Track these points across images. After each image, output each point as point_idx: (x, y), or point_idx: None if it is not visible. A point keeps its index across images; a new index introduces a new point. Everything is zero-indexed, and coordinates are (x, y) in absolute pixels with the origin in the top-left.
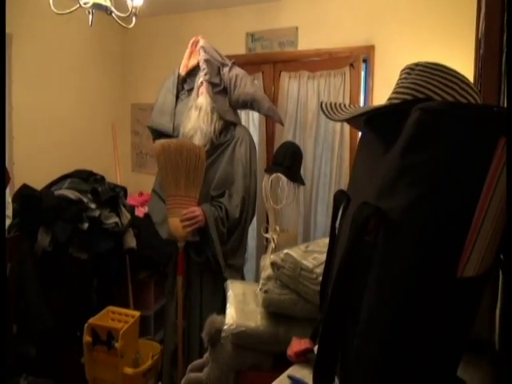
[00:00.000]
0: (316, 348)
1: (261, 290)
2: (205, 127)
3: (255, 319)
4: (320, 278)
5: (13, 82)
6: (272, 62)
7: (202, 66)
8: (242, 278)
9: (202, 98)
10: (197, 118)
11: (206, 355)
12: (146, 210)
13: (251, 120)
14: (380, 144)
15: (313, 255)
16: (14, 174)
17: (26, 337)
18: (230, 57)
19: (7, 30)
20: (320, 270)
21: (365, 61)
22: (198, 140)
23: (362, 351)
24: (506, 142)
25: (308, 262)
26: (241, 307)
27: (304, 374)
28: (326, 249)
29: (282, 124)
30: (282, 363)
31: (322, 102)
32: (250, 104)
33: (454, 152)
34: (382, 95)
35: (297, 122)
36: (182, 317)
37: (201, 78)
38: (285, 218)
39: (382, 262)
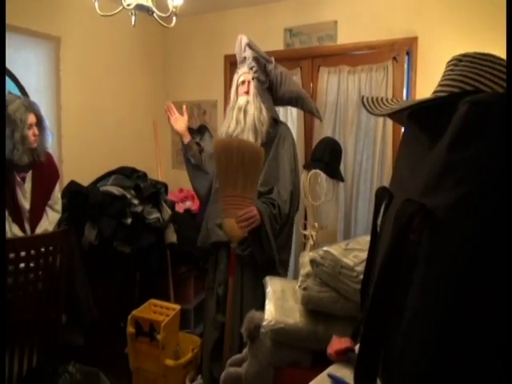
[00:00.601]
0: (357, 347)
1: (300, 287)
2: (258, 126)
3: (294, 316)
4: (361, 277)
5: (61, 84)
6: (311, 57)
7: (251, 64)
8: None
9: (248, 97)
10: (243, 118)
11: (245, 350)
12: (186, 205)
13: (289, 116)
14: (425, 139)
15: (353, 253)
16: (62, 170)
17: (75, 326)
18: (268, 53)
19: (55, 34)
20: (361, 268)
21: (407, 53)
22: (251, 139)
23: (406, 351)
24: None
25: (348, 260)
26: (279, 304)
27: (344, 373)
28: (367, 247)
29: (321, 120)
30: (321, 361)
31: (363, 97)
32: (294, 101)
33: (505, 147)
34: (425, 89)
35: (336, 118)
36: (230, 316)
37: (241, 76)
38: (324, 214)
39: (427, 260)
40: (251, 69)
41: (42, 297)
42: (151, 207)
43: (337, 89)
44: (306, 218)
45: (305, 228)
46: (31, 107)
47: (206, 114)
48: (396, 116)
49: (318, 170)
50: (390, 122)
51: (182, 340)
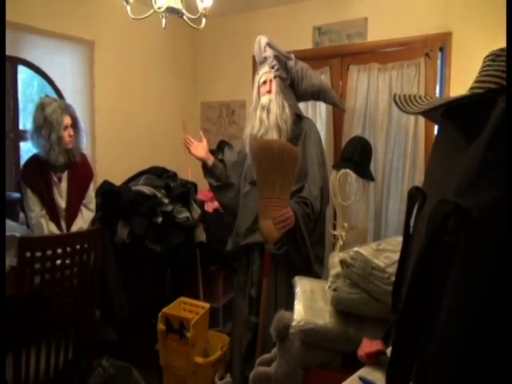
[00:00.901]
0: (389, 350)
1: (329, 287)
2: (281, 124)
3: (324, 317)
4: (392, 278)
5: (94, 86)
6: (340, 55)
7: (272, 62)
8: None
9: (271, 96)
10: (266, 117)
11: (275, 350)
12: (215, 205)
13: (318, 116)
14: (460, 137)
15: (384, 254)
16: (96, 170)
17: (108, 322)
18: (296, 52)
19: (89, 38)
20: (392, 269)
21: (441, 49)
22: (274, 138)
23: (441, 354)
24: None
25: (379, 261)
26: (309, 304)
27: (376, 376)
28: (399, 248)
29: (345, 110)
30: (351, 363)
31: (395, 95)
32: (316, 95)
33: None
34: (460, 86)
35: (366, 117)
36: (264, 316)
37: (262, 76)
38: (353, 214)
39: (463, 262)
40: (272, 67)
41: (77, 293)
42: (181, 206)
43: (367, 87)
44: (335, 218)
45: (334, 228)
46: (67, 109)
47: (235, 114)
48: (430, 114)
49: (347, 170)
50: (422, 120)
51: (211, 338)
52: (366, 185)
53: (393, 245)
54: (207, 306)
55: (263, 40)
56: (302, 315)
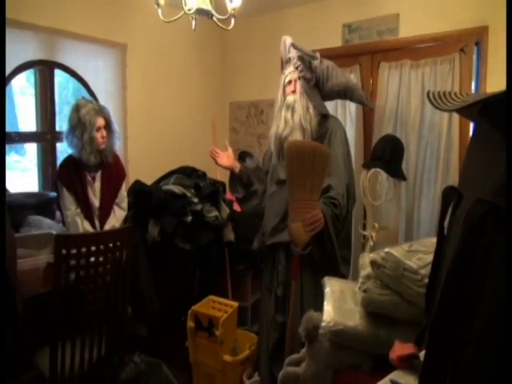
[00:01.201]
0: (422, 354)
1: (360, 288)
2: (304, 125)
3: (354, 318)
4: (426, 280)
5: (127, 88)
6: (370, 52)
7: (296, 63)
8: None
9: (295, 96)
10: (291, 117)
11: (303, 350)
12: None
13: (348, 114)
14: (498, 135)
15: (417, 255)
16: (128, 170)
17: (139, 318)
18: (325, 50)
19: (122, 41)
20: (425, 271)
21: (477, 44)
22: (298, 138)
23: (478, 359)
24: None
25: (412, 263)
26: (338, 305)
27: (408, 380)
28: (432, 249)
29: (373, 109)
30: (382, 366)
31: (428, 92)
32: (343, 93)
33: None
34: (497, 82)
35: (398, 115)
36: (292, 318)
37: (287, 76)
38: (384, 214)
39: (501, 264)
40: (297, 68)
41: (110, 289)
42: (210, 206)
43: (398, 84)
44: (365, 218)
45: (364, 228)
46: (101, 111)
47: (264, 114)
48: (466, 111)
49: (377, 169)
50: (456, 118)
51: (240, 337)
52: (397, 184)
53: (426, 246)
54: (236, 304)
55: (288, 40)
56: (332, 316)
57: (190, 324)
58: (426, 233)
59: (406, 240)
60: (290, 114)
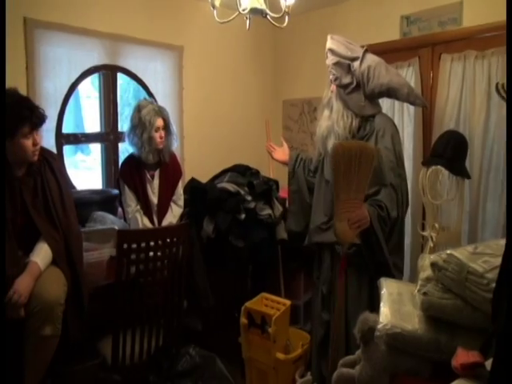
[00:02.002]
0: (488, 363)
1: (419, 291)
2: (338, 129)
3: (412, 322)
4: (493, 285)
5: (183, 89)
6: (431, 44)
7: (331, 71)
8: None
9: (332, 100)
10: (328, 118)
11: (358, 352)
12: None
13: (406, 109)
14: None
15: (483, 258)
16: (184, 169)
17: (194, 312)
18: (382, 44)
19: (179, 43)
20: (492, 275)
21: None
22: (332, 141)
23: None
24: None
25: (477, 266)
26: (396, 307)
27: None
28: (500, 252)
29: (427, 107)
30: (443, 373)
31: (497, 84)
32: (386, 94)
33: None
34: None
35: (461, 109)
36: (338, 318)
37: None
38: (445, 214)
39: None
40: (332, 80)
41: (167, 283)
42: (263, 204)
43: (461, 76)
44: (424, 218)
45: (423, 228)
46: (160, 112)
47: (317, 111)
48: None
49: (438, 166)
50: None
51: (292, 335)
52: (460, 183)
53: (493, 248)
54: (288, 302)
55: (327, 44)
56: (389, 318)
57: (243, 320)
58: (492, 234)
59: (469, 242)
60: (329, 112)
